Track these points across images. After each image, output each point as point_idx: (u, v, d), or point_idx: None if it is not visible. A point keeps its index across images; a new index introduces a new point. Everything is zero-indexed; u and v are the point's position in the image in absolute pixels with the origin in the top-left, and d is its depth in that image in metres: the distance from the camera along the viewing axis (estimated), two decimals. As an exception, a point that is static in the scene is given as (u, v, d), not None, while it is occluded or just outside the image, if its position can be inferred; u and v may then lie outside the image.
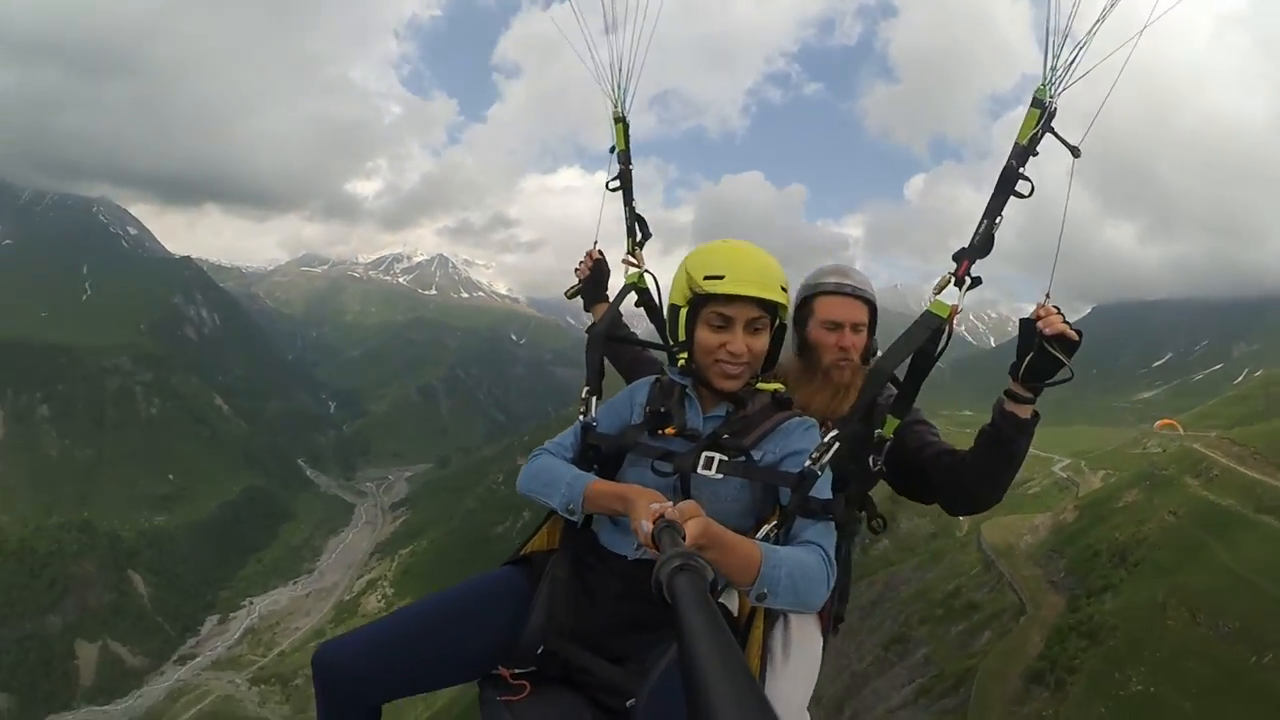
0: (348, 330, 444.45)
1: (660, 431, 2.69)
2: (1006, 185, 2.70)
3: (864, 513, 3.10)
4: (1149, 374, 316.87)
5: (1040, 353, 2.71)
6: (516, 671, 2.59)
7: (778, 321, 2.69)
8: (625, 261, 3.54)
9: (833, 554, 2.45)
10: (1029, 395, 2.81)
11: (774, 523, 2.51)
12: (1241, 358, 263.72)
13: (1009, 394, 2.86)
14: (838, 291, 3.31)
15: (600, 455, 2.82)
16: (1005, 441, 2.88)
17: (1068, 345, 2.69)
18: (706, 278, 2.58)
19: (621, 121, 3.50)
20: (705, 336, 2.62)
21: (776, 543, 2.44)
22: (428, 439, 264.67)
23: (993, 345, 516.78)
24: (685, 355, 2.69)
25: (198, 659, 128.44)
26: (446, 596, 2.75)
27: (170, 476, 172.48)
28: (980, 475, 2.99)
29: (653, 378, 2.96)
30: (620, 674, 2.50)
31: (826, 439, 2.57)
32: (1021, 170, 2.68)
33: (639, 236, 3.58)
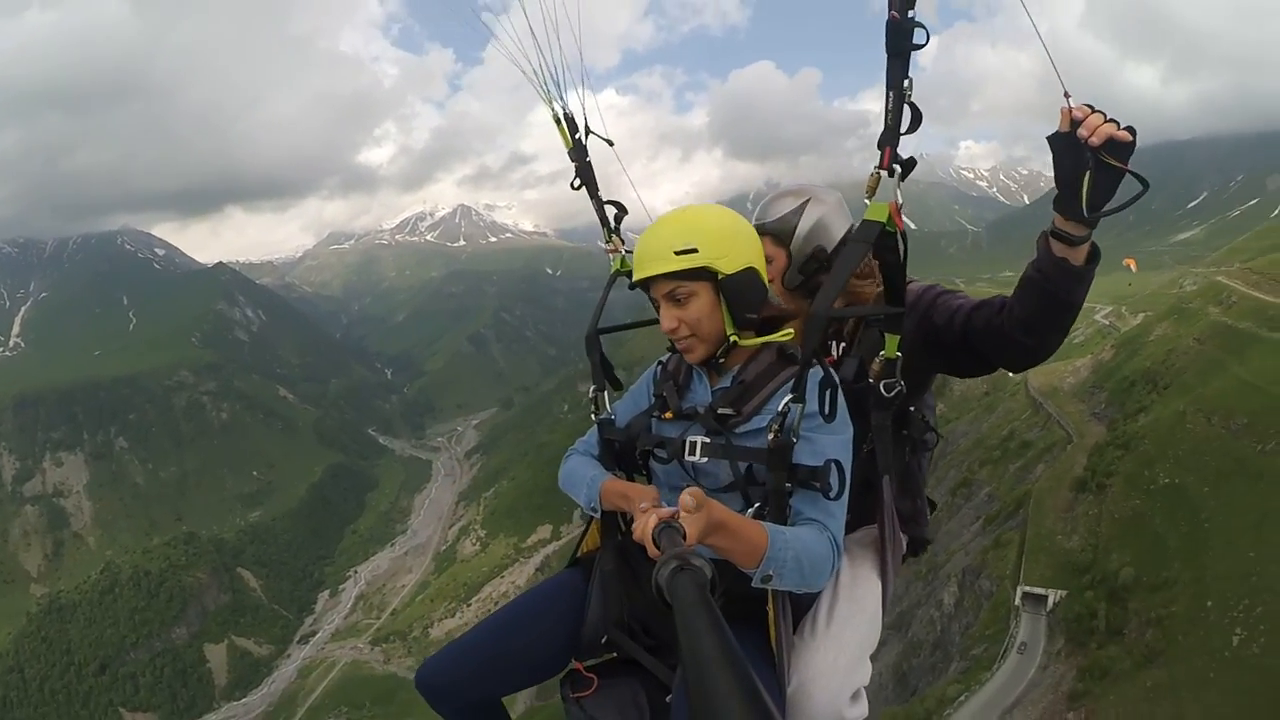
0: (388, 297, 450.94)
1: (663, 416, 2.68)
2: (898, 41, 2.30)
3: (907, 433, 2.94)
4: (1185, 215, 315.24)
5: (1098, 170, 2.30)
6: (589, 664, 2.72)
7: (719, 275, 2.44)
8: (607, 251, 3.29)
9: (840, 532, 2.34)
10: (1083, 233, 2.43)
11: (757, 504, 2.39)
12: (1277, 190, 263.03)
13: (1057, 235, 2.48)
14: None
15: (618, 450, 2.85)
16: (1061, 294, 2.54)
17: (1124, 150, 2.26)
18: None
19: (563, 119, 3.22)
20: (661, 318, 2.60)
21: (770, 519, 2.33)
22: (487, 385, 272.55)
23: (1026, 203, 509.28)
24: None
25: (318, 634, 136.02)
26: (518, 603, 2.90)
27: (255, 473, 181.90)
28: (1035, 329, 2.67)
29: (662, 359, 2.91)
30: (660, 667, 2.59)
31: (780, 405, 2.36)
32: (911, 14, 2.25)
33: (614, 224, 3.28)
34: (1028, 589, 53.05)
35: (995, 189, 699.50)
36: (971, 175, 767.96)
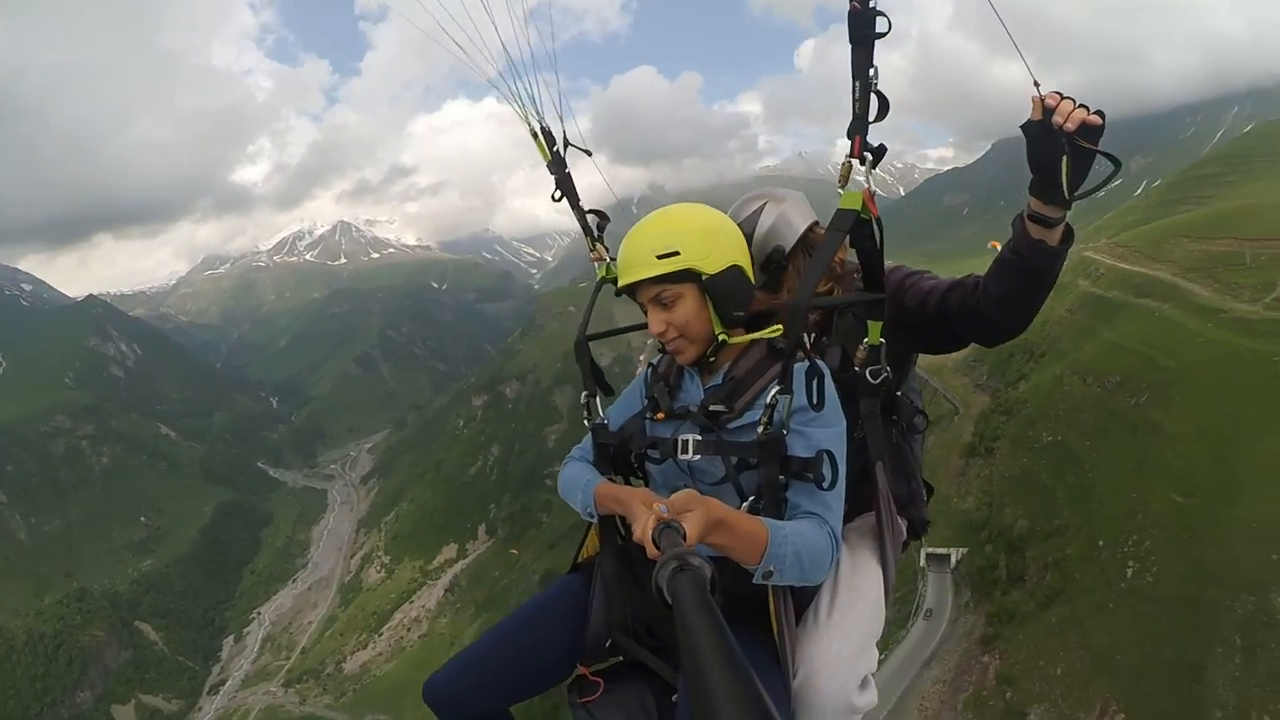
0: (268, 322, 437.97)
1: (655, 417, 2.71)
2: (859, 30, 2.32)
3: (895, 418, 2.96)
4: None
5: (1073, 154, 2.38)
6: (595, 668, 2.73)
7: (704, 275, 2.46)
8: (592, 259, 3.21)
9: (839, 525, 2.35)
10: (1060, 215, 2.52)
11: (752, 498, 2.42)
12: (1139, 171, 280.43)
13: (1034, 218, 2.55)
14: None
15: (613, 453, 2.86)
16: (1039, 273, 2.63)
17: (1095, 133, 2.37)
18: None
19: (540, 134, 3.17)
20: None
21: (765, 513, 2.36)
22: (378, 407, 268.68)
23: (902, 194, 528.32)
24: None
25: (228, 683, 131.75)
26: (520, 611, 2.93)
27: (142, 518, 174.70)
28: (1011, 306, 2.77)
29: (653, 361, 2.96)
30: (665, 669, 2.61)
31: (769, 398, 2.39)
32: (872, 4, 2.28)
33: (596, 232, 3.21)
34: (931, 550, 57.37)
35: (871, 181, 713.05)
36: None
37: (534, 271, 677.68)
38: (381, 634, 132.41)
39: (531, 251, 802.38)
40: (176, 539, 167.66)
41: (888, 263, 2.91)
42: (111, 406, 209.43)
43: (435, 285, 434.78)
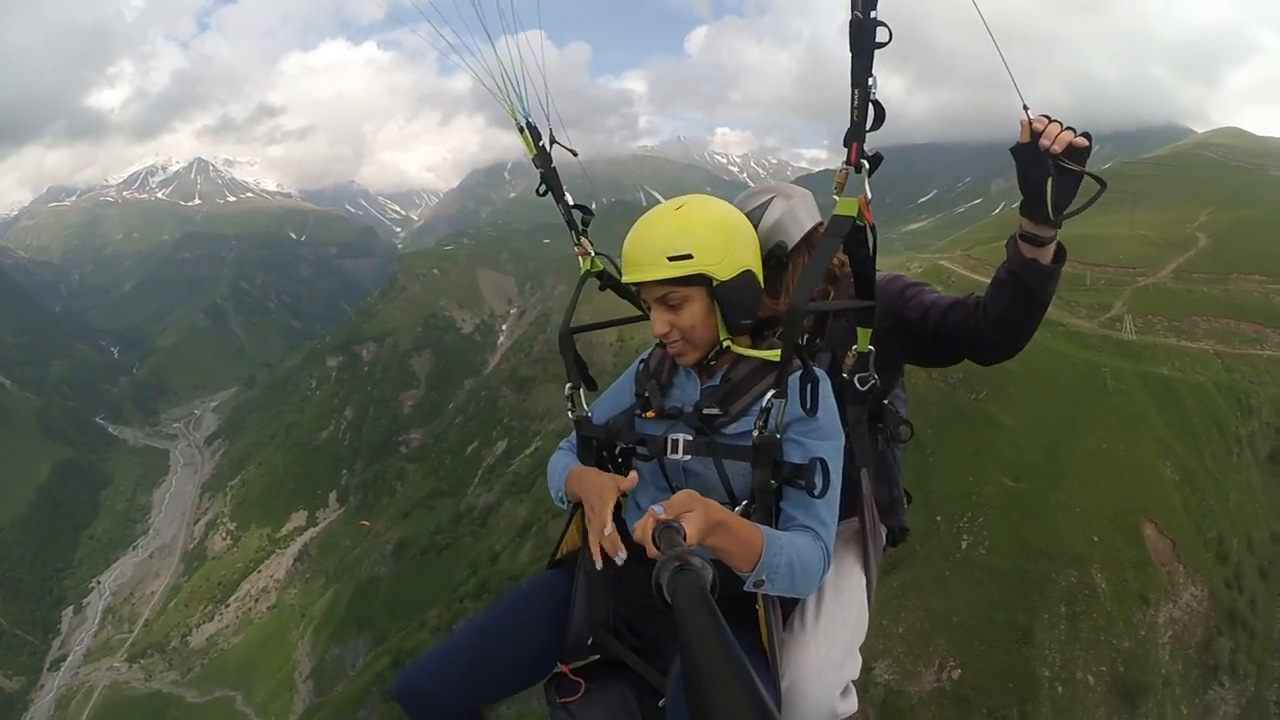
0: (113, 264, 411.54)
1: (645, 415, 2.68)
2: (861, 40, 2.34)
3: (881, 426, 2.97)
4: (916, 209, 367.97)
5: (1060, 176, 2.45)
6: (576, 667, 2.67)
7: (714, 281, 2.43)
8: (576, 253, 3.16)
9: (832, 540, 2.35)
10: (1049, 234, 2.56)
11: (745, 502, 2.41)
12: (999, 193, 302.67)
13: (1025, 238, 2.61)
14: None
15: (597, 448, 2.83)
16: (1033, 292, 2.66)
17: (1082, 154, 2.42)
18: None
19: (526, 129, 3.17)
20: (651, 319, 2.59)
21: (755, 519, 2.36)
22: (226, 363, 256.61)
23: None
24: None
25: (69, 658, 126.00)
26: (498, 607, 2.87)
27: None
28: (1009, 327, 2.80)
29: (644, 355, 2.92)
30: (648, 670, 2.58)
31: (764, 401, 2.38)
32: (874, 15, 2.32)
33: (580, 227, 3.17)
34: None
35: (746, 174, 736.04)
36: (725, 160, 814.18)
37: (399, 230, 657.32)
38: (228, 605, 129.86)
39: (397, 209, 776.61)
40: (10, 500, 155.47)
41: (886, 272, 3.11)
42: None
43: (294, 236, 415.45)
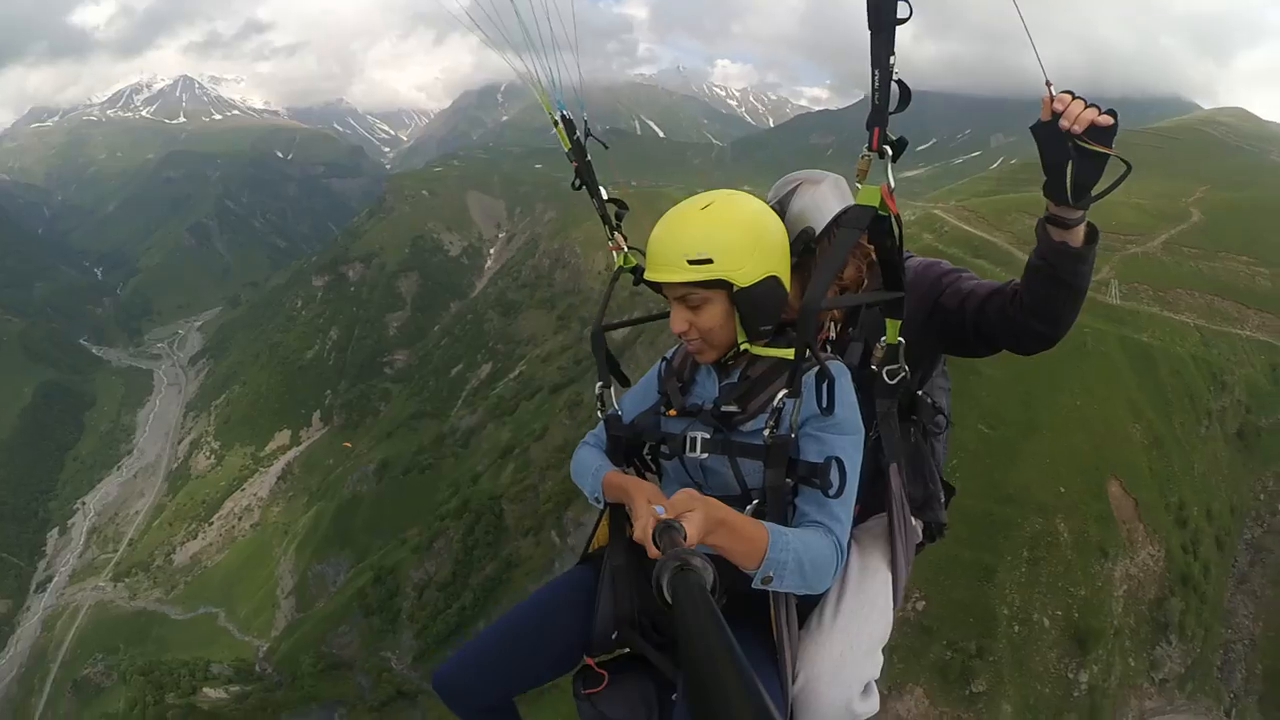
0: (97, 184, 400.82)
1: (668, 413, 2.69)
2: (881, 15, 2.18)
3: (915, 418, 2.91)
4: (914, 156, 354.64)
5: (1080, 157, 2.32)
6: (601, 659, 2.71)
7: (735, 286, 2.41)
8: (611, 248, 3.22)
9: (845, 535, 2.32)
10: (1076, 216, 2.45)
11: (756, 501, 2.41)
12: (998, 148, 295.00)
13: (1052, 220, 2.50)
14: None
15: (625, 445, 2.85)
16: (1065, 276, 2.56)
17: (1106, 134, 2.30)
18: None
19: (562, 121, 3.22)
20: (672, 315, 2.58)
21: (769, 517, 2.34)
22: (211, 282, 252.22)
23: (771, 125, 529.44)
24: None
25: (55, 579, 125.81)
26: (529, 602, 2.95)
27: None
28: (1046, 314, 2.70)
29: (668, 353, 2.93)
30: (668, 665, 2.60)
31: (776, 400, 2.37)
32: None
33: (615, 222, 3.25)
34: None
35: (744, 109, 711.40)
36: (723, 93, 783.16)
37: (387, 150, 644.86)
38: (212, 523, 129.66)
39: (386, 129, 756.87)
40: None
41: (923, 258, 3.04)
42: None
43: (280, 155, 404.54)
